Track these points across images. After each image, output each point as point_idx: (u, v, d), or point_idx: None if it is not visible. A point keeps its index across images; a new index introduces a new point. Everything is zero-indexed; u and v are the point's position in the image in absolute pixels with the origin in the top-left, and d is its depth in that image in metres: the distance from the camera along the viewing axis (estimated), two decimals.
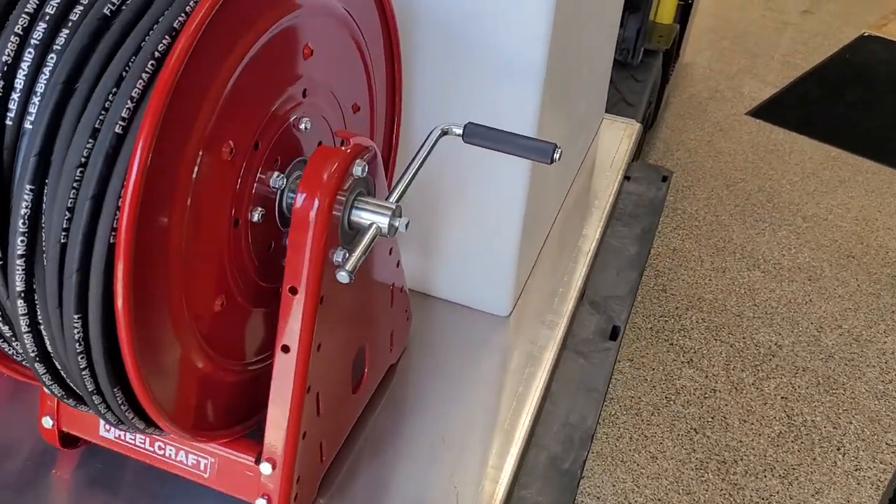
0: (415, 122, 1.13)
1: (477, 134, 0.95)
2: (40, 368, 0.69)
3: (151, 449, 0.93)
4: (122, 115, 0.59)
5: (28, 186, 0.61)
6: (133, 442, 0.93)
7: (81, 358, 0.65)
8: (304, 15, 0.78)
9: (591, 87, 1.62)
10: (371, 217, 0.83)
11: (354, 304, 0.92)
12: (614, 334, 1.33)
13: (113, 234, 0.60)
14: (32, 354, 0.68)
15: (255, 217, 0.79)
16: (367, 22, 0.93)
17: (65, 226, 0.60)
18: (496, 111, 1.08)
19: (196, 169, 0.67)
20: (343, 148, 0.81)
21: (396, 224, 0.83)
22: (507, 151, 0.95)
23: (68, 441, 0.97)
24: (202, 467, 0.92)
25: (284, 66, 0.77)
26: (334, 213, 0.80)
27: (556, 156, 0.93)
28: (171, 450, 0.92)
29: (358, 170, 0.81)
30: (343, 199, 0.81)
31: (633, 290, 1.44)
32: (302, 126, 0.83)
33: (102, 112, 0.59)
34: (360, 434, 1.06)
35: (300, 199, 0.78)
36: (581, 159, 1.68)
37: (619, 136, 1.84)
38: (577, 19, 1.22)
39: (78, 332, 0.63)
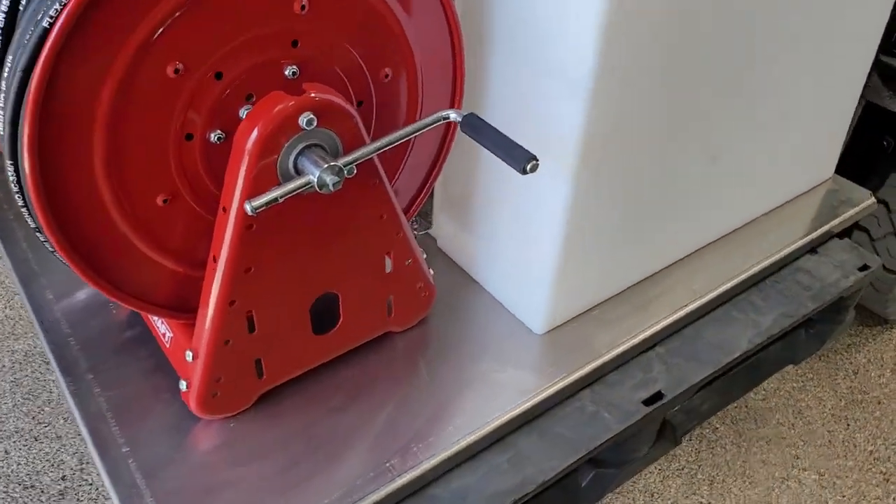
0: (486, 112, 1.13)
1: (473, 126, 0.93)
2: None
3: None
4: (51, 13, 0.73)
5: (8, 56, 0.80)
6: None
7: (18, 197, 0.83)
8: None
9: (784, 134, 1.38)
10: (310, 168, 0.88)
11: (310, 247, 0.98)
12: (652, 400, 1.17)
13: None
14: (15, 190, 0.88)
15: (213, 138, 0.89)
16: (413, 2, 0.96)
17: (5, 88, 0.78)
18: (546, 127, 1.03)
19: (129, 75, 0.79)
20: (300, 98, 0.87)
21: (328, 180, 0.87)
22: (493, 151, 0.91)
23: None
24: (166, 339, 1.08)
25: (258, 14, 0.85)
26: (273, 152, 0.87)
27: (528, 167, 0.87)
28: (159, 321, 1.10)
29: (303, 120, 0.87)
30: (286, 142, 0.87)
31: (718, 365, 1.24)
32: (287, 72, 0.91)
33: (44, 8, 0.75)
34: (329, 380, 1.12)
35: (242, 129, 0.87)
36: (751, 214, 1.46)
37: (834, 202, 1.54)
38: (699, 29, 1.07)
39: (13, 176, 0.81)
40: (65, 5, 0.73)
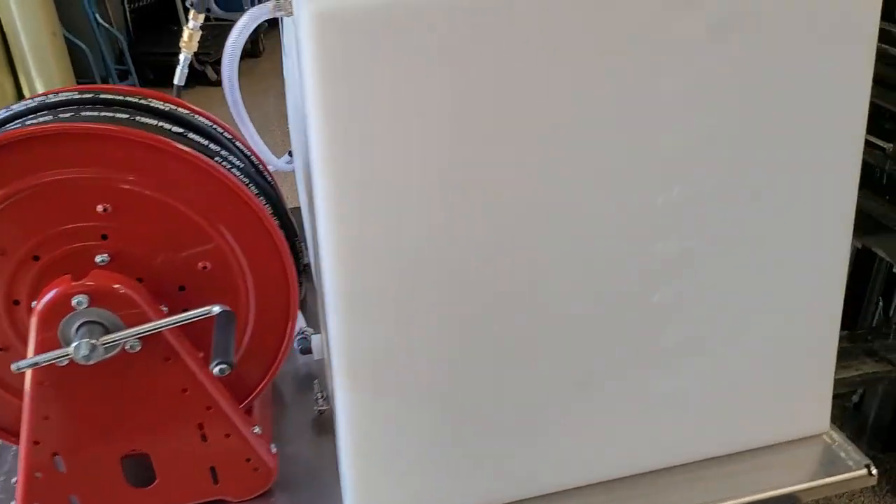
0: None
1: (219, 321, 1.02)
2: None
3: None
4: None
5: None
6: None
7: None
8: (98, 178, 1.05)
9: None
10: (74, 342, 1.04)
11: (109, 408, 1.13)
12: None
13: None
14: None
15: (34, 305, 1.10)
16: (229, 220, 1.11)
17: None
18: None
19: None
20: (76, 284, 1.05)
21: (80, 354, 1.02)
22: (214, 346, 0.99)
23: None
24: None
25: (65, 212, 1.06)
26: (51, 326, 1.05)
27: (217, 369, 0.94)
28: None
29: (75, 301, 1.04)
30: (62, 318, 1.05)
31: None
32: (98, 259, 1.09)
33: None
34: None
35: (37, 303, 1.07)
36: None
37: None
38: None
39: None
40: None
